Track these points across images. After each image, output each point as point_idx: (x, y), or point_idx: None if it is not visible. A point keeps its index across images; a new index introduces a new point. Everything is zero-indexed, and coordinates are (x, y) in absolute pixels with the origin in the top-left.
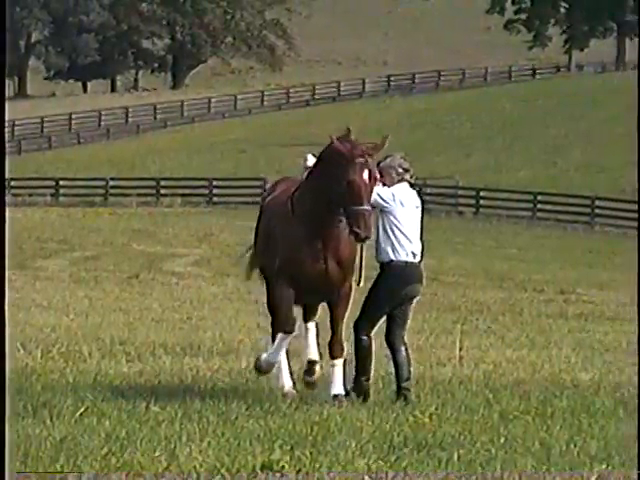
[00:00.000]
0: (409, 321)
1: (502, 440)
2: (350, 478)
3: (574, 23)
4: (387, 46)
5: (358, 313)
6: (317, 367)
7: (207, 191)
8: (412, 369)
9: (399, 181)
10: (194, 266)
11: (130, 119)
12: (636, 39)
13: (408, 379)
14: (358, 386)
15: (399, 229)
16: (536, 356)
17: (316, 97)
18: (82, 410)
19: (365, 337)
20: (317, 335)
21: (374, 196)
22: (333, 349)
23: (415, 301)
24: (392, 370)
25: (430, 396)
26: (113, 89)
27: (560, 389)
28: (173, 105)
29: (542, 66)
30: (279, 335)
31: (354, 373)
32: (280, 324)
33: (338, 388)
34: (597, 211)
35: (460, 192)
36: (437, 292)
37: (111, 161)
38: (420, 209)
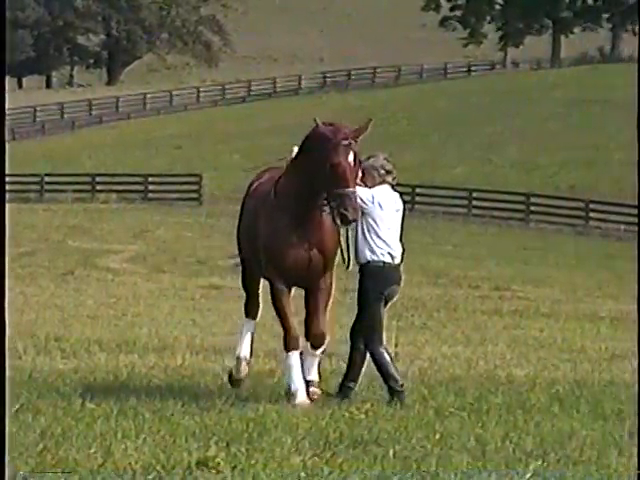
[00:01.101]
0: (384, 323)
1: (437, 436)
2: (286, 475)
3: (509, 20)
4: (323, 43)
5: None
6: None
7: (142, 187)
8: (395, 367)
9: (380, 183)
10: (129, 262)
11: (65, 115)
12: (571, 35)
13: (354, 380)
14: (344, 391)
15: (376, 231)
16: (471, 352)
17: (252, 93)
18: (17, 407)
19: (381, 349)
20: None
21: None
22: (314, 340)
23: (390, 303)
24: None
25: (366, 392)
26: (48, 85)
27: (495, 385)
28: (108, 101)
29: (477, 63)
30: (289, 356)
31: (343, 377)
32: (286, 340)
33: (314, 374)
34: (532, 208)
35: (396, 188)
36: None
37: (46, 157)
38: (401, 212)
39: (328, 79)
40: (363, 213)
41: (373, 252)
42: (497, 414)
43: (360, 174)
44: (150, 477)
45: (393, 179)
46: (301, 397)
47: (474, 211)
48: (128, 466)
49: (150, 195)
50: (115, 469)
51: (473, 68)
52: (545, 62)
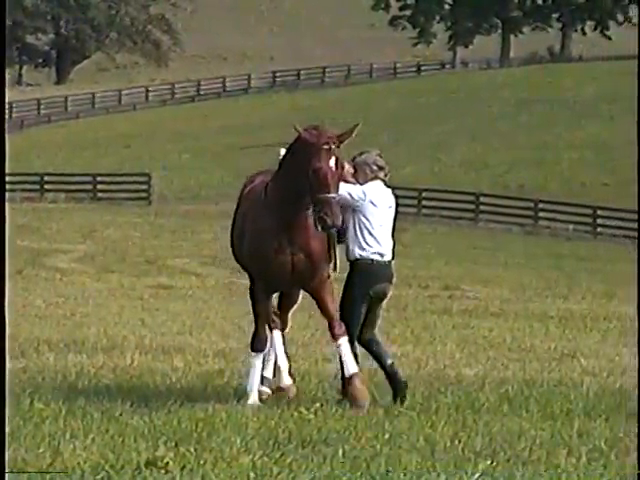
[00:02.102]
0: (379, 321)
1: (387, 436)
2: (235, 475)
3: (459, 19)
4: (273, 42)
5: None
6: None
7: (91, 187)
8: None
9: (372, 179)
10: (78, 262)
11: (14, 114)
12: (520, 35)
13: (393, 363)
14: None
15: (367, 228)
16: (421, 352)
17: (201, 93)
18: None
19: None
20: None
21: (344, 193)
22: (333, 331)
23: (385, 301)
24: (376, 365)
25: (315, 392)
26: None
27: (445, 385)
28: (57, 100)
29: (427, 63)
30: (253, 355)
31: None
32: (253, 340)
33: (352, 367)
34: (481, 207)
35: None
36: None
37: None
38: (393, 209)
39: (278, 78)
40: (355, 210)
41: (363, 249)
42: (446, 414)
43: (352, 170)
44: (99, 477)
45: (385, 175)
46: (253, 400)
47: (424, 211)
48: (77, 466)
49: (99, 195)
50: (64, 469)
51: (423, 68)
52: (494, 62)
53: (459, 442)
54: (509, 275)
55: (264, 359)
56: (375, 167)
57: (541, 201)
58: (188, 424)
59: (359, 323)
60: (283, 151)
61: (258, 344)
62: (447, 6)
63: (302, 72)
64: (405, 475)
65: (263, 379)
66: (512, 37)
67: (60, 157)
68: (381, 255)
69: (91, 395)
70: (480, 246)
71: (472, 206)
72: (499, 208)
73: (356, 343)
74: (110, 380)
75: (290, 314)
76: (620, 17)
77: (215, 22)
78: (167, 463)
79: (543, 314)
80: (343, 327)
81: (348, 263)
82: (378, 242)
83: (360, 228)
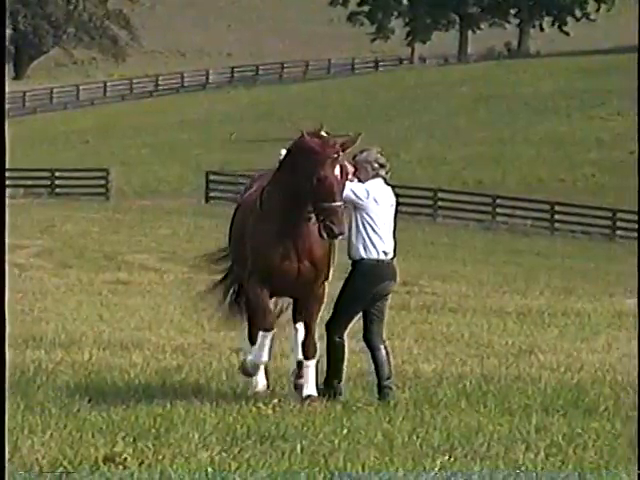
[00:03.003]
0: (385, 318)
1: (345, 431)
2: (193, 470)
3: (416, 15)
4: (231, 37)
5: (331, 313)
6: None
7: (49, 182)
8: (392, 366)
9: (374, 177)
10: (36, 257)
11: None
12: (478, 31)
13: (389, 377)
14: (329, 387)
15: (371, 226)
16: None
17: (160, 88)
18: None
19: (338, 338)
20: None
21: (347, 192)
22: (306, 350)
23: (389, 298)
24: (372, 369)
25: (274, 388)
26: None
27: (403, 380)
28: (15, 96)
29: (385, 58)
30: (259, 333)
31: (325, 374)
32: (259, 322)
33: (311, 389)
34: (439, 203)
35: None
36: None
37: None
38: (394, 207)
39: (236, 74)
40: (357, 208)
41: (367, 248)
42: (404, 409)
43: (352, 169)
44: (57, 473)
45: (386, 173)
46: (258, 380)
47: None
48: (35, 462)
49: (57, 190)
50: (22, 464)
51: (381, 63)
52: (452, 58)
53: (417, 437)
54: (467, 271)
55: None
56: (376, 165)
57: (499, 197)
58: (146, 420)
59: (351, 321)
60: (284, 151)
61: (265, 323)
62: (405, 2)
63: (260, 68)
64: (363, 470)
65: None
66: (470, 33)
67: (18, 152)
68: (385, 254)
69: (49, 391)
70: (438, 242)
71: (430, 202)
72: (457, 204)
73: (345, 337)
74: (68, 376)
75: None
76: (578, 13)
77: (173, 18)
78: (125, 459)
79: (501, 310)
80: (317, 350)
81: (350, 262)
82: (382, 240)
83: (364, 226)
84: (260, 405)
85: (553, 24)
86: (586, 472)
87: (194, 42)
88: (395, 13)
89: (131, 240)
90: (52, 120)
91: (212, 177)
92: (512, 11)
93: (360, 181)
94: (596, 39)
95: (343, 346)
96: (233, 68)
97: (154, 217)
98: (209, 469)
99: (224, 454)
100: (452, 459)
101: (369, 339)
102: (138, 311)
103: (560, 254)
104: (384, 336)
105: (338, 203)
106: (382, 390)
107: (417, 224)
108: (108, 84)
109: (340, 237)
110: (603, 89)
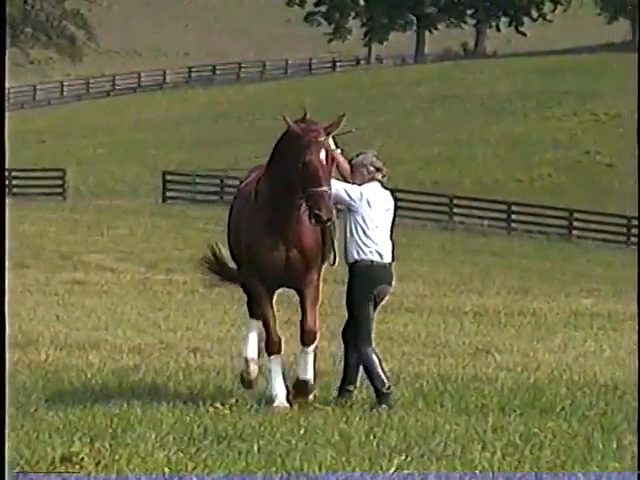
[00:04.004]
0: (373, 323)
1: (302, 431)
2: (150, 470)
3: (373, 16)
4: (188, 37)
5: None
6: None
7: (6, 182)
8: (383, 369)
9: (370, 180)
10: None
11: None
12: (435, 32)
13: (352, 383)
14: (343, 394)
15: (363, 229)
16: (336, 347)
17: (116, 88)
18: None
19: (369, 348)
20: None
21: (341, 193)
22: (305, 337)
23: (382, 304)
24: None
25: (231, 387)
26: None
27: (360, 380)
28: None
29: (342, 59)
30: (271, 360)
31: (340, 381)
32: (267, 343)
33: (308, 373)
34: (397, 203)
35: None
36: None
37: None
38: (392, 210)
39: (193, 74)
40: (350, 210)
41: (361, 251)
42: (361, 409)
43: (349, 170)
44: (14, 472)
45: (383, 176)
46: (281, 400)
47: (339, 206)
48: None
49: (14, 190)
50: None
51: (338, 64)
52: (409, 58)
53: (374, 437)
54: (424, 270)
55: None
56: (372, 168)
57: (456, 197)
58: (103, 420)
59: (371, 322)
60: None
61: (273, 347)
62: (362, 2)
63: (217, 68)
64: (320, 470)
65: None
66: (427, 33)
67: None
68: (380, 255)
69: (6, 391)
70: (395, 242)
71: None
72: (414, 204)
73: (372, 348)
74: (25, 376)
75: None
76: (534, 13)
77: (130, 18)
78: (82, 459)
79: (458, 309)
80: (315, 340)
81: (347, 267)
82: (375, 243)
83: (356, 229)
84: (217, 405)
85: (510, 25)
86: (542, 472)
87: (151, 42)
88: (352, 13)
89: (88, 240)
90: (9, 120)
91: (169, 177)
92: (469, 12)
93: (356, 184)
94: (552, 40)
95: (374, 353)
96: (190, 68)
97: (111, 217)
98: (166, 469)
99: (181, 454)
100: (409, 459)
101: (346, 339)
102: (95, 311)
103: (517, 254)
104: (373, 343)
105: (324, 188)
106: (342, 392)
107: None
108: (65, 84)
109: (329, 223)
110: (559, 89)
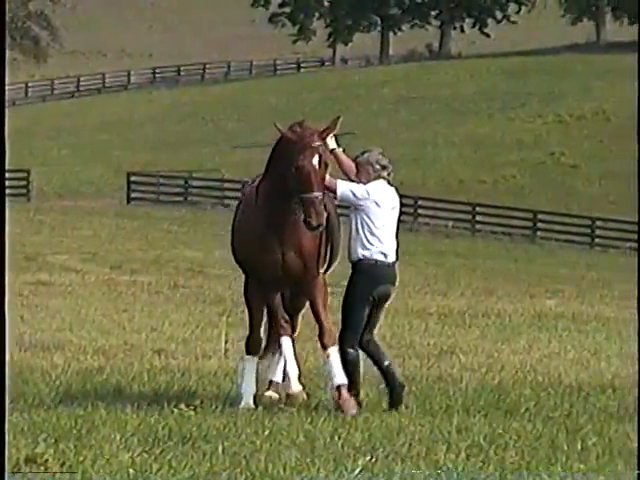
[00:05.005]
0: (378, 324)
1: (267, 432)
2: (115, 471)
3: (338, 17)
4: (152, 38)
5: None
6: (274, 393)
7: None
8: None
9: (375, 178)
10: None
11: None
12: (399, 33)
13: (390, 364)
14: (393, 395)
15: (369, 228)
16: (300, 348)
17: (81, 89)
18: None
19: (351, 350)
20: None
21: (347, 192)
22: (323, 339)
23: (387, 304)
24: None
25: (195, 389)
26: None
27: (324, 381)
28: None
29: (307, 60)
30: (247, 359)
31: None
32: (248, 341)
33: (340, 377)
34: None
35: (226, 185)
36: (203, 285)
37: None
38: (397, 209)
39: (158, 75)
40: (357, 209)
41: (365, 249)
42: (326, 410)
43: (355, 169)
44: None
45: (388, 174)
46: (247, 401)
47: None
48: None
49: None
50: None
51: (302, 65)
52: (374, 59)
53: (339, 438)
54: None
55: (271, 363)
56: (378, 166)
57: (420, 198)
58: (67, 421)
59: (361, 326)
60: None
61: (253, 346)
62: (326, 3)
63: (182, 68)
64: (285, 471)
65: (271, 383)
66: (391, 34)
67: None
68: (385, 255)
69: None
70: None
71: None
72: None
73: (357, 346)
74: None
75: (300, 317)
76: (499, 14)
77: (94, 18)
78: (47, 460)
79: (423, 310)
80: (333, 336)
81: (350, 265)
82: (381, 242)
83: (362, 228)
84: (182, 406)
85: (474, 26)
86: (507, 472)
87: (115, 43)
88: (316, 14)
89: (52, 241)
90: None
91: (133, 178)
92: (433, 13)
93: (362, 182)
94: (517, 41)
95: (356, 357)
96: (155, 69)
97: (75, 218)
98: (130, 470)
99: (145, 455)
100: (373, 460)
101: (363, 346)
102: (59, 312)
103: (481, 255)
104: (376, 338)
105: (315, 194)
106: (392, 394)
107: (343, 225)
108: (29, 85)
109: (320, 229)
110: (524, 91)
